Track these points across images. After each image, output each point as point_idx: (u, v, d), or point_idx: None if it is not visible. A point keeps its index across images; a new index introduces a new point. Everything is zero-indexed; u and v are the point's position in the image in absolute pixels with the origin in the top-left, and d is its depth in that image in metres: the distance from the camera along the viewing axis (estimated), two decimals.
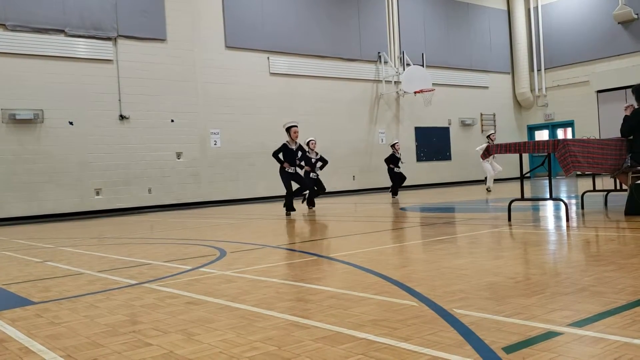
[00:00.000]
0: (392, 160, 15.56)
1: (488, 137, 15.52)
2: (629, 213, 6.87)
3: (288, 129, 11.21)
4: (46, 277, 4.80)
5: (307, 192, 11.85)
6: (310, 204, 11.88)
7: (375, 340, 2.38)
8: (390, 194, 15.83)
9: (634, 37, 21.47)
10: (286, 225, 8.86)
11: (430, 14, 22.41)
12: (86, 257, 6.09)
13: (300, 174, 11.49)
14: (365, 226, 8.00)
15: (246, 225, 9.32)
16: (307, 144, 12.93)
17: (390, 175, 15.64)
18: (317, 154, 13.01)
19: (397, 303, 3.03)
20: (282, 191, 11.25)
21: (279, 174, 11.25)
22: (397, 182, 15.59)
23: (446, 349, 2.20)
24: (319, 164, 12.88)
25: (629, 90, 10.68)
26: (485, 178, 15.40)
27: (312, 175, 12.58)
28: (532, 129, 25.24)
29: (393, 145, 15.79)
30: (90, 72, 15.01)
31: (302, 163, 11.90)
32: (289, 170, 11.09)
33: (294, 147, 11.16)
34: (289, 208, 10.83)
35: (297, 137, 11.20)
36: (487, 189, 15.07)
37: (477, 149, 14.97)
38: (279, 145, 11.22)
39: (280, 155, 11.08)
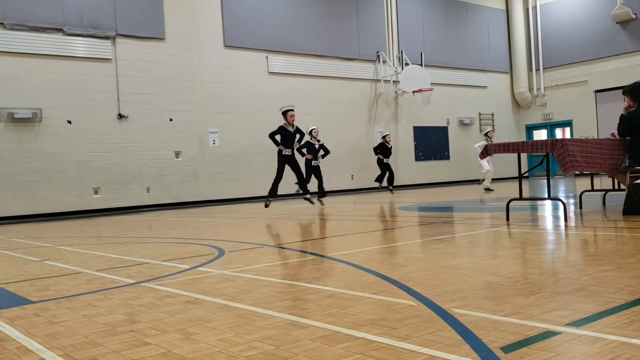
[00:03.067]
0: (382, 151, 15.70)
1: (486, 134, 15.45)
2: (627, 213, 6.88)
3: (284, 113, 11.30)
4: (44, 276, 4.79)
5: (304, 189, 11.80)
6: (303, 189, 11.67)
7: (374, 340, 2.38)
8: (378, 183, 16.28)
9: (632, 37, 21.49)
10: (285, 225, 8.86)
11: (428, 14, 22.41)
12: (84, 256, 6.09)
13: (296, 159, 11.48)
14: (363, 225, 8.00)
15: (244, 224, 9.31)
16: (310, 132, 12.96)
17: (379, 166, 15.89)
18: (319, 141, 13.04)
19: (396, 302, 3.04)
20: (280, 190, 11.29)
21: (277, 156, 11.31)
22: (384, 172, 15.85)
23: (444, 349, 2.20)
24: (321, 152, 12.92)
25: None
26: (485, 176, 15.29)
27: (313, 163, 12.63)
28: (530, 129, 25.27)
29: (384, 137, 15.93)
30: (88, 71, 15.00)
31: (304, 150, 11.86)
32: (286, 153, 11.14)
33: (291, 129, 11.23)
34: (271, 194, 10.95)
35: (293, 120, 11.30)
36: (485, 189, 14.95)
37: (476, 145, 14.93)
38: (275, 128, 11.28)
39: (277, 138, 11.13)
